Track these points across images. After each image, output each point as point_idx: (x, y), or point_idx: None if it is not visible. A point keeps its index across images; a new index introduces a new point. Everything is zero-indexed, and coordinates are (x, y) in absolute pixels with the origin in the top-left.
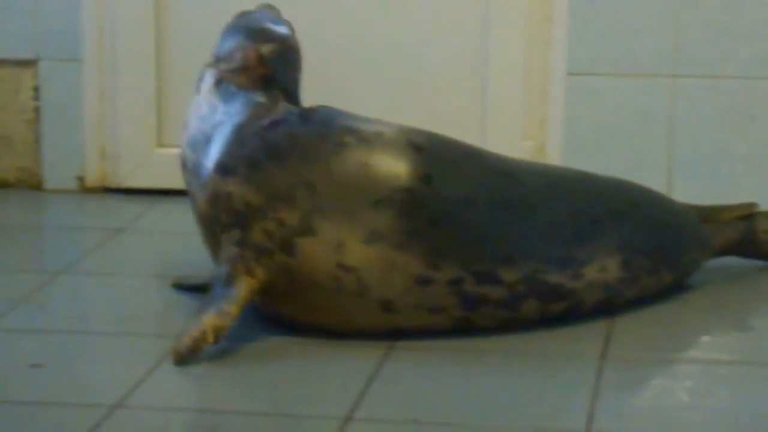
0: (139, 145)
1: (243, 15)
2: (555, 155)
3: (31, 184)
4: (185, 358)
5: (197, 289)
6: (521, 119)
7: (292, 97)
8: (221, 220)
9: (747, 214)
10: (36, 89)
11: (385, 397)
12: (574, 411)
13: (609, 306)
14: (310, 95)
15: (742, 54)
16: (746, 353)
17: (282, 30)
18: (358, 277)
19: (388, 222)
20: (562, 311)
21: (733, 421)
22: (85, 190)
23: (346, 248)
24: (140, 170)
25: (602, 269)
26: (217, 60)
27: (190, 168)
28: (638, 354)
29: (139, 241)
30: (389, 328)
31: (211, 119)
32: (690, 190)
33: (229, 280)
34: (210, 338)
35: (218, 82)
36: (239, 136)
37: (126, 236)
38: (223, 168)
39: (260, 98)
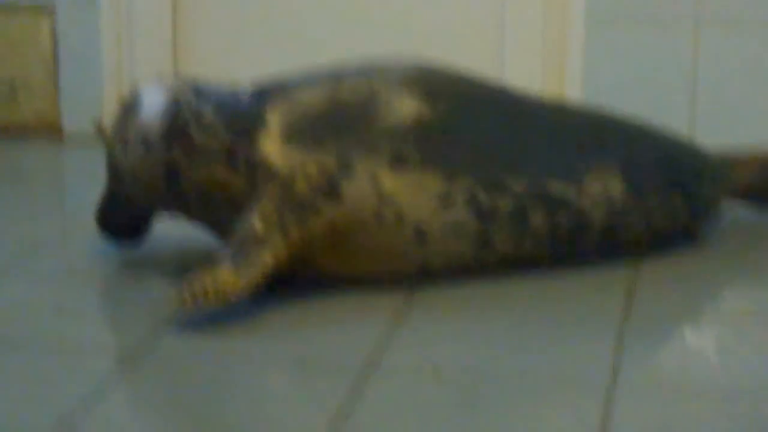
0: None
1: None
2: None
3: (50, 129)
4: (191, 307)
5: None
6: (540, 70)
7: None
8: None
9: (764, 162)
10: (54, 35)
11: (405, 345)
12: (599, 362)
13: (619, 234)
14: None
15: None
16: None
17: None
18: (394, 205)
19: (404, 146)
20: (570, 228)
21: (763, 372)
22: None
23: (379, 177)
24: None
25: (606, 187)
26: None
27: None
28: (662, 306)
29: None
30: (421, 262)
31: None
32: (712, 144)
33: (258, 240)
34: (221, 297)
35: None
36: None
37: None
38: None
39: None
